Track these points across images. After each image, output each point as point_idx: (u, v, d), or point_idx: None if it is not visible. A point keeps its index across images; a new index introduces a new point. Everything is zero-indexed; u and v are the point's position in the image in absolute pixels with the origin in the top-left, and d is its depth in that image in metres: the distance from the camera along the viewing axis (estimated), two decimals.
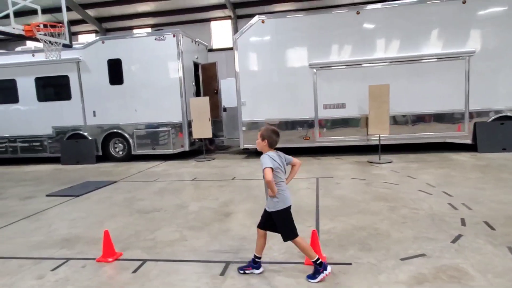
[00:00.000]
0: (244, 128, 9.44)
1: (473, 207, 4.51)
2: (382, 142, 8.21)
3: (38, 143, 10.68)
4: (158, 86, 9.71)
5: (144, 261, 3.50)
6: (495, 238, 3.55)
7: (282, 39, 9.06)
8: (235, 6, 17.82)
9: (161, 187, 6.71)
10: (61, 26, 6.69)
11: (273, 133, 3.01)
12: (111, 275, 3.28)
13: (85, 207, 5.70)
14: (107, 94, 10.00)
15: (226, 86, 11.89)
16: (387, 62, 8.59)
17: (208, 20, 18.80)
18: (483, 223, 3.95)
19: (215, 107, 10.94)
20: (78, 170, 9.22)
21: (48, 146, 10.61)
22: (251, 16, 10.42)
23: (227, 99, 11.78)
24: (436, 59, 8.36)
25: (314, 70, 8.93)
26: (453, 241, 3.52)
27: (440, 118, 8.54)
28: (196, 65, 10.74)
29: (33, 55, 10.35)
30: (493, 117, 8.31)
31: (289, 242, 3.04)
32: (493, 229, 3.79)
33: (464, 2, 8.08)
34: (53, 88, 10.61)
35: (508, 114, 8.22)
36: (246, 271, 3.14)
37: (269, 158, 2.91)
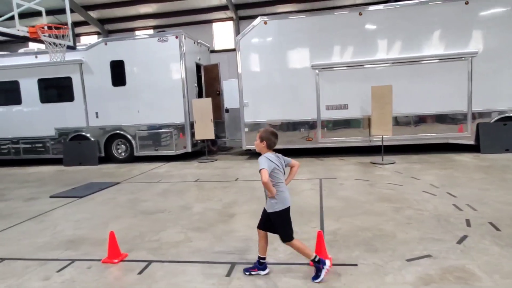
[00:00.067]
0: (246, 129, 9.45)
1: (478, 208, 4.50)
2: (385, 143, 8.20)
3: (40, 145, 10.71)
4: (161, 87, 9.73)
5: (150, 262, 3.51)
6: (501, 239, 3.54)
7: (285, 40, 9.07)
8: (237, 7, 17.87)
9: (164, 188, 6.72)
10: (65, 28, 6.71)
11: (271, 135, 3.03)
12: (117, 276, 3.28)
13: (89, 208, 5.71)
14: (109, 96, 10.02)
15: (229, 87, 11.92)
16: (390, 63, 8.59)
17: (210, 21, 18.87)
18: (488, 224, 3.94)
19: (218, 108, 10.95)
20: (80, 172, 9.23)
21: (51, 148, 10.63)
22: (253, 17, 10.45)
23: (230, 100, 11.81)
24: (438, 60, 8.36)
25: (317, 71, 8.94)
26: (459, 242, 3.52)
27: (443, 119, 8.53)
28: (198, 67, 10.76)
29: (36, 57, 10.39)
30: (496, 118, 8.30)
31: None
32: (498, 230, 3.78)
33: (466, 3, 8.08)
34: (56, 89, 10.65)
35: (511, 114, 8.21)
36: (252, 273, 3.14)
37: (266, 159, 2.93)
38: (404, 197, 5.18)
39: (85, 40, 18.91)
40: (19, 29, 6.08)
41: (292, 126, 9.28)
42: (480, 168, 6.85)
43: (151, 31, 18.64)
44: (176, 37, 9.57)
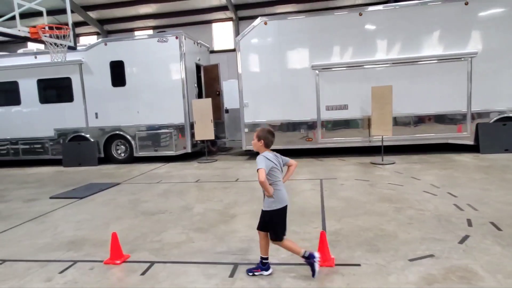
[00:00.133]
0: (246, 130, 9.45)
1: (478, 208, 4.52)
2: (385, 143, 8.22)
3: (40, 145, 10.68)
4: (161, 88, 9.72)
5: (152, 263, 3.50)
6: (503, 238, 3.55)
7: (285, 41, 9.08)
8: (237, 8, 17.87)
9: (165, 189, 6.71)
10: (66, 28, 6.70)
11: (268, 134, 3.06)
12: (120, 278, 3.28)
13: (89, 209, 5.70)
14: (109, 96, 10.00)
15: (228, 88, 11.92)
16: (390, 63, 8.61)
17: (210, 22, 18.86)
18: (490, 224, 3.95)
19: (217, 109, 10.95)
20: (80, 172, 9.21)
21: (50, 148, 10.60)
22: (252, 18, 10.48)
23: (229, 101, 11.81)
24: (438, 60, 8.39)
25: (317, 71, 8.95)
26: (461, 242, 3.53)
27: (442, 119, 8.55)
28: (198, 67, 10.76)
29: (35, 57, 10.36)
30: (495, 118, 8.33)
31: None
32: (499, 229, 3.79)
33: (466, 4, 8.10)
34: (55, 90, 10.62)
35: (510, 115, 8.24)
36: (255, 273, 3.14)
37: (264, 158, 2.96)
38: (404, 197, 5.19)
39: (84, 40, 18.89)
40: (20, 29, 6.06)
41: (292, 126, 9.29)
42: (480, 168, 6.87)
43: (150, 32, 18.62)
44: (176, 38, 9.57)
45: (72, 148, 10.32)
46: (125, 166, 9.70)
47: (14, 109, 10.65)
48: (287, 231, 3.14)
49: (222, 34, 19.01)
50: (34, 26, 6.44)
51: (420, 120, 8.66)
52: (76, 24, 17.98)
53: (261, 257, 3.16)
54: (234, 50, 9.54)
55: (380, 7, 8.83)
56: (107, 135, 10.17)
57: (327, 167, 7.95)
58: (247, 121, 9.41)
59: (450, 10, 8.22)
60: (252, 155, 10.27)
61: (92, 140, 10.25)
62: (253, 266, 3.22)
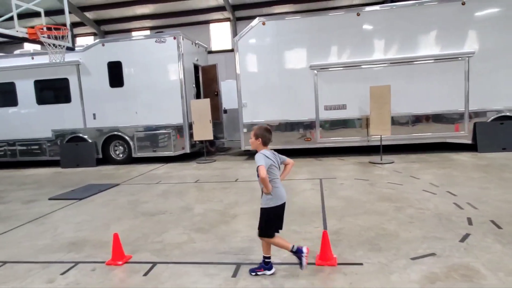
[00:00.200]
0: (245, 130, 9.44)
1: (478, 206, 4.55)
2: (383, 143, 8.24)
3: (37, 147, 10.62)
4: (159, 88, 9.70)
5: (154, 263, 3.49)
6: (503, 237, 3.58)
7: (283, 41, 9.09)
8: (234, 8, 17.86)
9: (164, 190, 6.70)
10: (64, 29, 6.67)
11: (265, 131, 3.09)
12: (122, 278, 3.27)
13: (89, 210, 5.68)
14: (107, 97, 9.96)
15: (227, 88, 11.92)
16: (388, 63, 8.65)
17: (207, 22, 18.83)
18: (490, 222, 3.98)
19: (216, 109, 10.94)
20: (78, 173, 9.18)
21: (48, 149, 10.55)
22: (250, 18, 10.49)
23: (228, 101, 11.80)
24: (436, 60, 8.43)
25: (315, 71, 8.97)
26: (462, 240, 3.55)
27: (440, 118, 8.60)
28: (196, 67, 10.74)
29: (32, 58, 10.30)
30: (492, 117, 8.39)
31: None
32: (500, 228, 3.82)
33: (463, 4, 8.15)
34: (53, 91, 10.56)
35: (508, 114, 8.30)
36: (258, 273, 3.14)
37: (263, 156, 2.98)
38: (404, 196, 5.21)
39: (81, 41, 18.81)
40: (18, 30, 6.03)
41: (291, 126, 9.30)
42: (478, 167, 6.92)
43: (147, 32, 18.57)
44: (174, 38, 9.55)
45: (70, 149, 10.27)
46: (123, 167, 9.67)
47: (11, 110, 10.58)
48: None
49: (219, 34, 18.99)
50: (32, 27, 6.40)
51: (418, 119, 8.70)
52: (73, 25, 17.78)
53: (263, 256, 3.17)
54: (231, 50, 9.55)
55: (377, 7, 8.86)
56: (105, 136, 10.13)
57: (326, 166, 7.97)
58: (246, 121, 9.40)
59: (447, 10, 8.26)
60: (250, 155, 10.27)
61: (90, 141, 10.21)
62: (256, 266, 3.22)
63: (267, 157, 2.99)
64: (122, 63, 9.80)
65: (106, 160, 10.25)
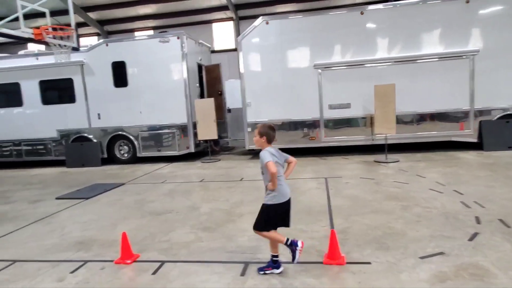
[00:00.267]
0: (249, 129, 9.44)
1: (485, 205, 4.53)
2: (388, 142, 8.22)
3: (42, 146, 10.68)
4: (163, 88, 9.72)
5: (163, 262, 3.51)
6: None
7: (287, 40, 9.09)
8: (237, 7, 17.86)
9: (170, 189, 6.72)
10: (70, 29, 6.70)
11: (269, 129, 3.12)
12: (131, 277, 3.28)
13: (95, 209, 5.70)
14: (111, 97, 10.00)
15: (230, 88, 11.91)
16: (392, 61, 8.62)
17: (210, 21, 18.85)
18: (498, 221, 3.97)
19: (219, 109, 10.94)
20: (84, 173, 9.22)
21: (53, 149, 10.60)
22: (253, 17, 10.48)
23: (231, 100, 11.79)
24: (440, 59, 8.39)
25: (319, 70, 8.95)
26: (470, 239, 3.54)
27: (445, 117, 8.57)
28: (199, 67, 10.75)
29: (37, 58, 10.36)
30: (498, 116, 8.34)
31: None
32: (508, 226, 3.80)
33: (467, 2, 8.11)
34: (57, 91, 10.60)
35: None
36: (266, 272, 3.15)
37: (269, 153, 3.02)
38: (411, 195, 5.20)
39: (84, 41, 18.87)
40: (24, 30, 6.06)
41: (295, 125, 9.29)
42: (484, 165, 6.89)
43: (150, 32, 18.62)
44: (178, 38, 9.57)
45: (75, 149, 10.32)
46: (128, 167, 9.70)
47: (16, 110, 10.64)
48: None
49: (222, 34, 19.00)
50: (37, 27, 6.43)
51: (422, 118, 8.67)
52: (76, 25, 17.99)
53: (271, 255, 3.18)
54: (234, 50, 9.57)
55: (381, 5, 8.83)
56: (110, 136, 10.17)
57: (330, 165, 7.96)
58: (250, 120, 9.41)
59: (451, 8, 8.22)
60: (255, 154, 10.27)
61: (95, 140, 10.25)
62: (264, 264, 3.23)
63: (272, 154, 3.03)
64: (126, 63, 9.82)
65: (111, 159, 10.29)
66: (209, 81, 11.12)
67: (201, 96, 10.74)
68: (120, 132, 10.11)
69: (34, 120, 10.54)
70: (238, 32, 17.00)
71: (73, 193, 6.92)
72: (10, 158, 10.88)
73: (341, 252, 3.35)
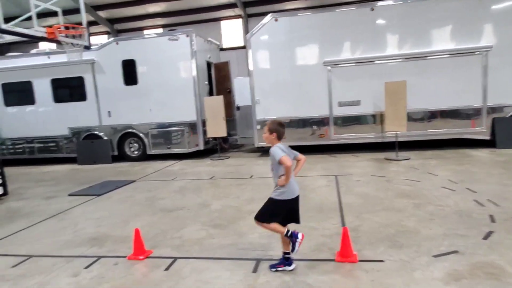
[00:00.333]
0: (258, 127, 9.44)
1: (500, 203, 4.46)
2: (399, 139, 8.14)
3: (54, 144, 10.84)
4: (172, 86, 9.77)
5: (175, 258, 3.54)
6: None
7: (296, 37, 9.05)
8: (245, 5, 17.82)
9: (180, 186, 6.76)
10: (82, 28, 6.77)
11: (279, 126, 3.13)
12: (144, 273, 3.32)
13: (107, 206, 5.77)
14: (121, 95, 10.09)
15: (239, 85, 11.89)
16: (403, 58, 8.52)
17: (218, 19, 18.84)
18: None
19: (229, 106, 10.96)
20: (95, 170, 9.33)
21: (64, 147, 10.76)
22: (261, 15, 10.44)
23: (240, 98, 11.78)
24: (452, 55, 8.27)
25: (329, 67, 8.90)
26: (485, 238, 3.49)
27: (457, 114, 8.45)
28: (208, 65, 10.77)
29: (49, 57, 10.50)
30: (511, 113, 8.19)
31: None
32: None
33: None
34: (69, 89, 10.73)
35: None
36: (278, 269, 3.15)
37: (280, 149, 3.02)
38: (423, 193, 5.15)
39: (94, 40, 19.01)
40: (37, 29, 6.14)
41: (304, 123, 9.26)
42: (497, 163, 6.78)
43: (160, 30, 18.68)
44: (187, 36, 9.60)
45: (86, 146, 10.45)
46: (139, 164, 9.79)
47: (28, 108, 10.81)
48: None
49: (231, 31, 18.98)
50: (50, 26, 6.51)
51: (433, 115, 8.56)
52: (87, 24, 18.15)
53: (283, 252, 3.18)
54: (243, 47, 9.56)
55: (391, 1, 8.72)
56: (120, 133, 10.27)
57: (340, 163, 7.92)
58: (259, 118, 9.40)
59: (463, 3, 8.08)
60: (264, 152, 10.27)
61: (105, 138, 10.36)
62: (276, 261, 3.23)
63: (283, 150, 3.03)
64: (136, 61, 9.90)
65: (122, 157, 10.39)
66: (218, 79, 11.14)
67: (210, 93, 10.78)
68: (130, 130, 10.20)
69: (46, 118, 10.70)
70: (246, 30, 16.97)
71: (85, 190, 7.01)
72: (23, 155, 11.08)
73: (353, 250, 3.33)
